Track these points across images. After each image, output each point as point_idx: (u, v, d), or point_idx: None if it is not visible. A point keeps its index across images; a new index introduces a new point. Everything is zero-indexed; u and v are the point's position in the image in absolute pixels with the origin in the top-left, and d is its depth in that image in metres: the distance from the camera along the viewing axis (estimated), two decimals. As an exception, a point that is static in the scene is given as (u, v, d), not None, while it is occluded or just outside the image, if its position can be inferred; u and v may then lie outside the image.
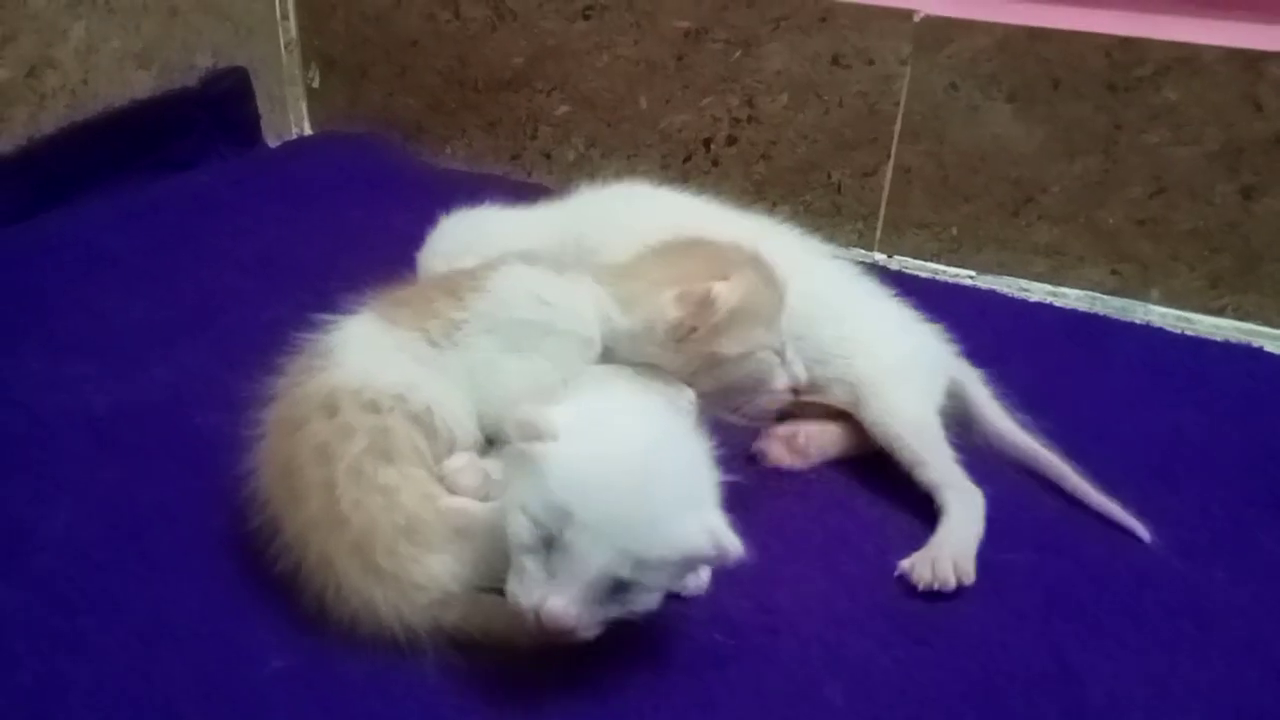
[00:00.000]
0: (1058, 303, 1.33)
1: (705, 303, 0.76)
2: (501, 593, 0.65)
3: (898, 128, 1.38)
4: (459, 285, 0.83)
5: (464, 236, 1.01)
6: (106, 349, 1.02)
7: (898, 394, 0.89)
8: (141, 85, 1.47)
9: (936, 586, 0.74)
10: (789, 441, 0.93)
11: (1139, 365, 1.14)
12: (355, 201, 1.44)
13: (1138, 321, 1.27)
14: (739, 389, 0.81)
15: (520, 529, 0.64)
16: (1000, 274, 1.40)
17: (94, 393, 0.94)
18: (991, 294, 1.33)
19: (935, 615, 0.73)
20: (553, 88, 1.56)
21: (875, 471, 0.89)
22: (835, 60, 1.38)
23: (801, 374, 0.84)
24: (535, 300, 0.81)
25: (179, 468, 0.70)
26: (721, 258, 0.82)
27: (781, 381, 0.83)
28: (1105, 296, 1.36)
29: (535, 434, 0.65)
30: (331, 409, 0.73)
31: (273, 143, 1.69)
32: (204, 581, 0.73)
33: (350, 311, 0.81)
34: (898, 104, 1.37)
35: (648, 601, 0.65)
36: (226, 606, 0.70)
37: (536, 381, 0.77)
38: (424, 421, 0.75)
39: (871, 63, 1.36)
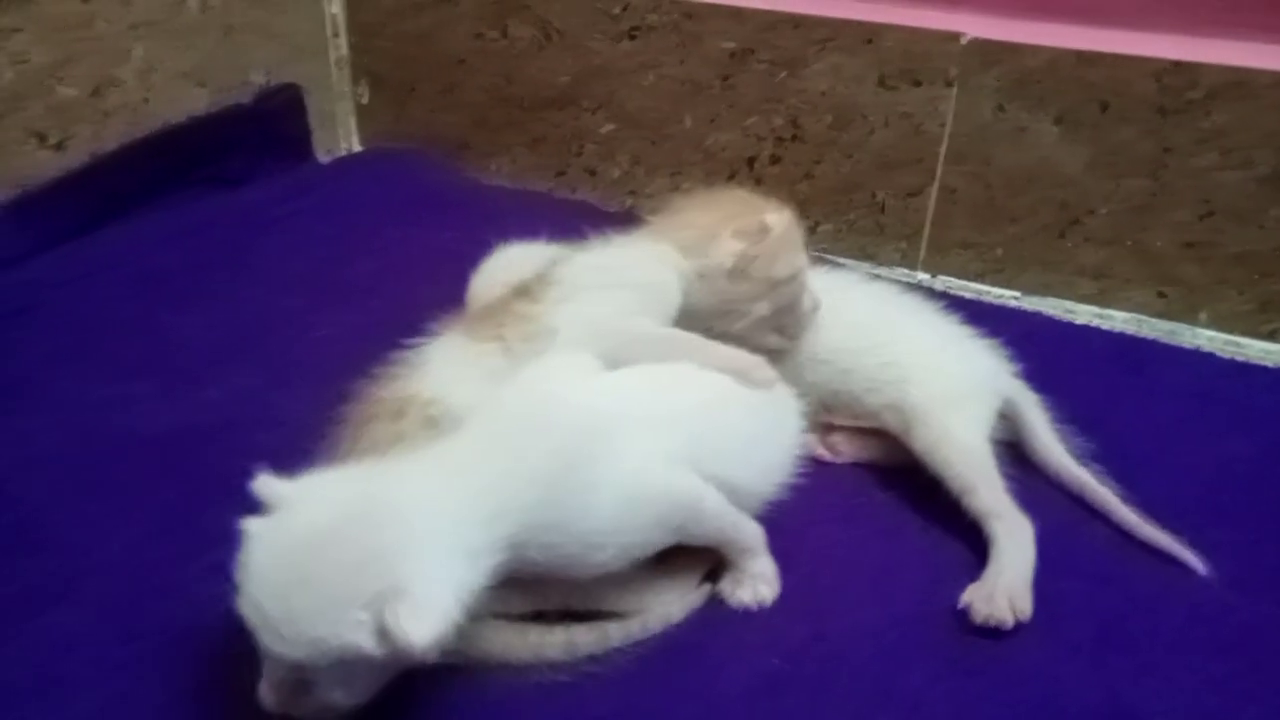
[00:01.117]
0: (1104, 325, 1.32)
1: (762, 231, 0.89)
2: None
3: (943, 148, 1.38)
4: (532, 288, 0.88)
5: (514, 270, 1.00)
6: (161, 369, 1.04)
7: (948, 421, 0.89)
8: (197, 103, 1.50)
9: (993, 624, 0.74)
10: (824, 439, 0.98)
11: (1187, 392, 1.13)
12: (401, 218, 1.46)
13: (1186, 345, 1.26)
14: (785, 310, 0.92)
15: None
16: (1045, 295, 1.40)
17: (150, 413, 0.96)
18: (1037, 315, 1.32)
19: (987, 647, 0.73)
20: (598, 106, 1.58)
21: (925, 498, 0.89)
22: (881, 81, 1.38)
23: (819, 296, 0.95)
24: (604, 270, 0.89)
25: (237, 488, 0.71)
26: (751, 199, 0.95)
27: (809, 301, 0.94)
28: (1152, 319, 1.35)
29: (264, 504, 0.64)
30: (398, 414, 0.77)
31: (322, 158, 1.72)
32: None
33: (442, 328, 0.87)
34: (943, 125, 1.37)
35: (342, 697, 0.62)
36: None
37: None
38: None
39: (918, 84, 1.36)
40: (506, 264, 1.02)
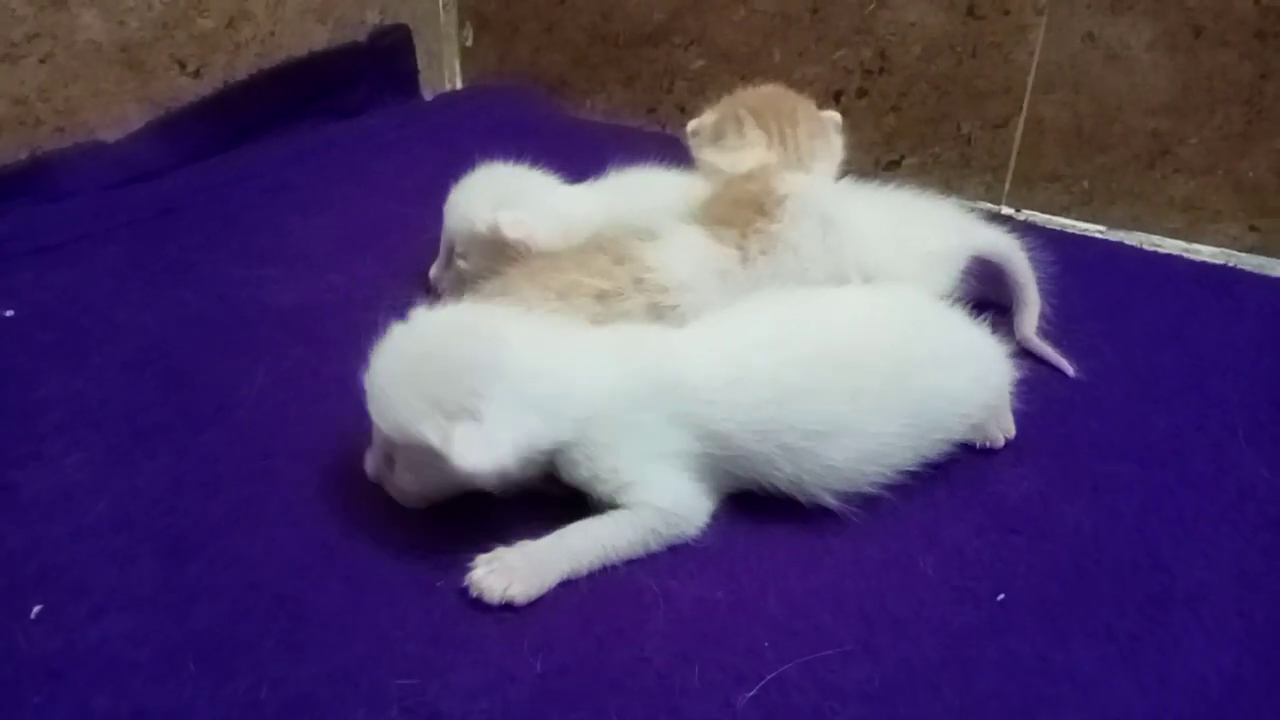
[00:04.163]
0: (1191, 257, 1.32)
1: (834, 112, 1.03)
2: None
3: (1031, 78, 1.39)
4: (764, 203, 0.90)
5: (495, 191, 1.06)
6: (290, 259, 1.16)
7: None
8: (319, 38, 1.62)
9: (988, 444, 0.84)
10: None
11: (1273, 315, 1.12)
12: (501, 147, 1.53)
13: (1276, 275, 1.25)
14: None
15: None
16: (1133, 229, 1.39)
17: (281, 291, 1.08)
18: (1120, 245, 1.33)
19: (1031, 511, 0.77)
20: (690, 41, 1.63)
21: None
22: (970, 11, 1.40)
23: None
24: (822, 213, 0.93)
25: (352, 352, 0.80)
26: (748, 100, 1.02)
27: None
28: (1242, 254, 1.34)
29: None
30: (620, 259, 0.85)
31: (427, 96, 1.82)
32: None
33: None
34: (1032, 54, 1.38)
35: (402, 480, 0.72)
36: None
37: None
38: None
39: (1007, 13, 1.38)
40: (487, 181, 1.07)
